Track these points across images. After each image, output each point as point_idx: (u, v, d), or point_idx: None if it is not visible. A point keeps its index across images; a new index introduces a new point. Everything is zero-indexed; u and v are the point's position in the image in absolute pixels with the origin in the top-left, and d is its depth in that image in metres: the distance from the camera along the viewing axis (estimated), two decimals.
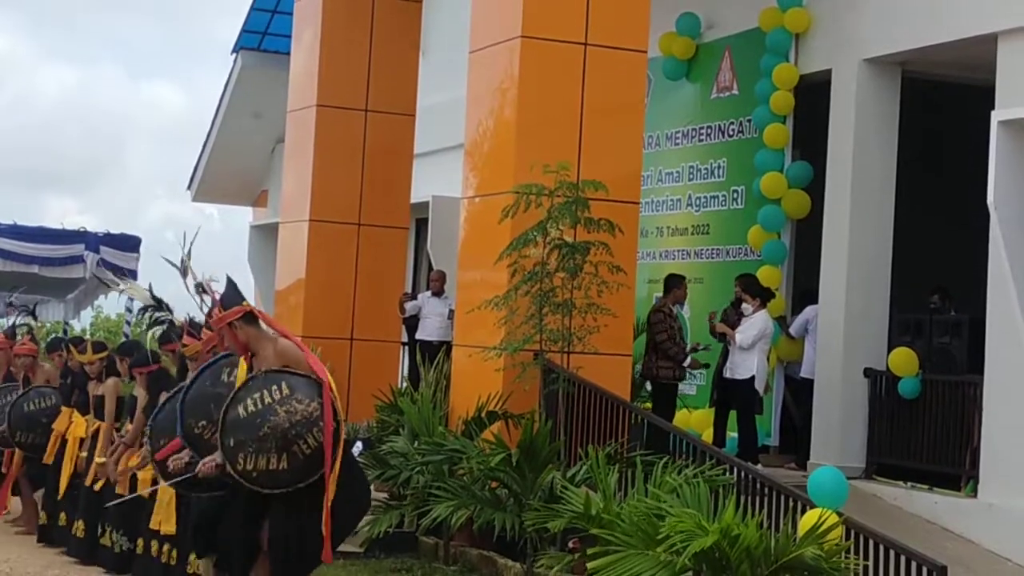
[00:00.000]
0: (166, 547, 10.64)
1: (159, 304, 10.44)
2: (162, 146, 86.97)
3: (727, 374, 14.68)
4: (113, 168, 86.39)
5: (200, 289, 9.01)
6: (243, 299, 8.61)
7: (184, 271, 9.20)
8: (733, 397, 14.66)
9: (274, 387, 8.32)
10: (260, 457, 8.24)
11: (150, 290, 10.96)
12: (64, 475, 12.39)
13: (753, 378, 14.40)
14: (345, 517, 8.59)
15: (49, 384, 13.63)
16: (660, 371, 14.53)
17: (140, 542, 10.93)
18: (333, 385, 8.49)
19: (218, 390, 8.75)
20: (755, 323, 14.45)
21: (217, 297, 8.75)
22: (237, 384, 8.48)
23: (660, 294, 16.51)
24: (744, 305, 14.65)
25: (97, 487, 11.65)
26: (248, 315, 8.55)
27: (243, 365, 8.60)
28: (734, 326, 14.62)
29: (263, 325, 8.61)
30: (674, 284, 15.01)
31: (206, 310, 9.05)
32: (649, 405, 14.45)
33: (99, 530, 11.64)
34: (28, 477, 13.71)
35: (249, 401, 8.30)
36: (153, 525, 10.54)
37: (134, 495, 10.56)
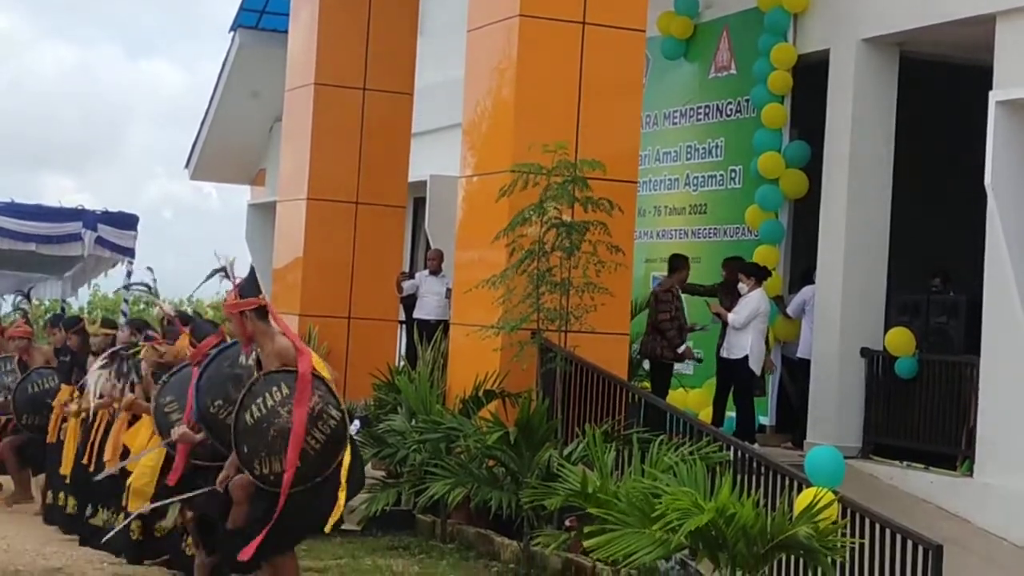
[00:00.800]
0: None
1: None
2: (161, 125, 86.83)
3: (723, 354, 14.72)
4: (111, 147, 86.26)
5: (223, 273, 9.04)
6: (260, 292, 8.67)
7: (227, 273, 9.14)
8: (730, 377, 14.70)
9: (274, 389, 8.37)
10: (274, 460, 8.30)
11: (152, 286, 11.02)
12: (68, 454, 12.37)
13: (747, 357, 14.42)
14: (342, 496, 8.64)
15: (48, 365, 13.64)
16: (663, 350, 14.57)
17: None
18: (330, 378, 8.50)
19: (236, 371, 8.86)
20: (748, 302, 14.48)
21: (237, 281, 8.80)
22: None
23: (658, 273, 16.57)
24: (740, 285, 14.68)
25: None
26: (260, 309, 8.60)
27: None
28: (730, 307, 14.66)
29: (271, 322, 8.65)
30: (679, 265, 15.04)
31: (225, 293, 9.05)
32: (647, 384, 14.49)
33: (90, 509, 11.65)
34: (27, 457, 13.75)
35: (254, 407, 8.36)
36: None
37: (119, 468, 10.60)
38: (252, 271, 9.06)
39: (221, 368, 9.00)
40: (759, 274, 14.76)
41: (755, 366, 14.52)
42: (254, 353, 8.69)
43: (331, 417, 8.36)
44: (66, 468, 12.17)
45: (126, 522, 10.43)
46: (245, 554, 8.34)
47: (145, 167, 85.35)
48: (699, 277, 15.88)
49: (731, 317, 14.52)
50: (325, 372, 8.51)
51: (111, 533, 10.41)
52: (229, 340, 9.45)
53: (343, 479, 8.36)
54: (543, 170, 12.14)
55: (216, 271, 8.99)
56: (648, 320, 14.74)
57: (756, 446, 13.01)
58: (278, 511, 8.27)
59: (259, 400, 8.35)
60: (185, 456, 9.44)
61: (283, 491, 8.24)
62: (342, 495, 8.37)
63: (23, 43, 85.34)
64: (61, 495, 12.38)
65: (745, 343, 14.44)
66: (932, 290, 14.65)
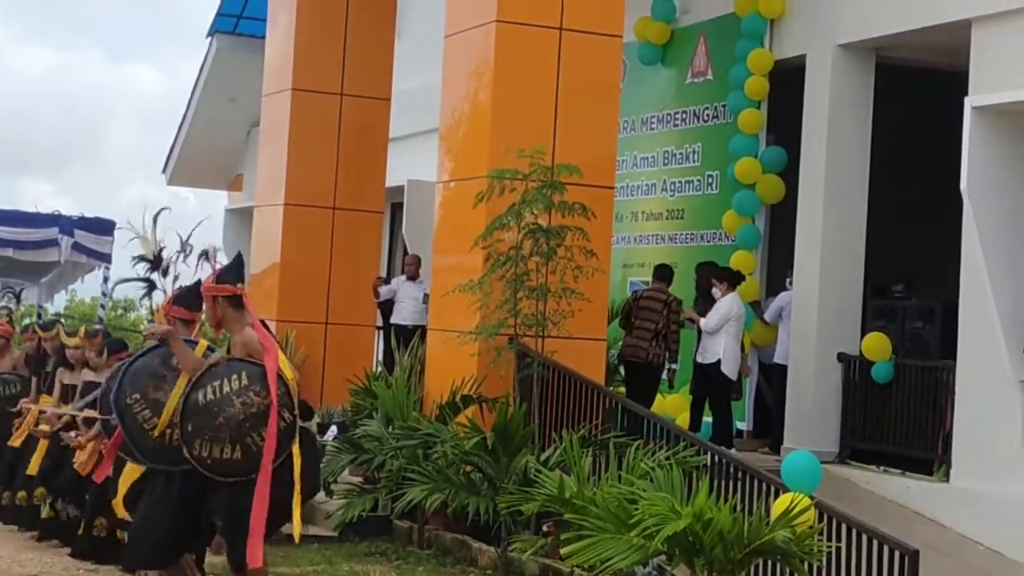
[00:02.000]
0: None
1: (156, 263, 10.43)
2: (140, 129, 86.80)
3: (698, 359, 14.73)
4: (90, 151, 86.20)
5: (204, 257, 9.12)
6: (239, 282, 8.67)
7: (156, 258, 9.26)
8: (704, 382, 14.70)
9: (234, 376, 8.39)
10: (215, 446, 8.33)
11: (157, 247, 10.91)
12: (35, 460, 12.27)
13: (720, 362, 14.43)
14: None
15: (15, 371, 13.54)
16: (658, 358, 14.51)
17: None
18: (291, 379, 8.49)
19: (162, 371, 8.83)
20: (720, 307, 14.50)
21: (217, 267, 8.86)
22: (180, 381, 8.58)
23: (636, 278, 16.60)
24: (714, 290, 14.70)
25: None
26: (234, 297, 8.61)
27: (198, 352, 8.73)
28: (704, 312, 14.67)
29: (244, 313, 8.64)
30: (671, 274, 15.02)
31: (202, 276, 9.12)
32: (622, 389, 14.47)
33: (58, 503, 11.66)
34: None
35: (209, 388, 8.38)
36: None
37: None
38: (238, 258, 9.04)
39: (151, 363, 8.99)
40: (732, 279, 14.77)
41: (728, 371, 14.52)
42: (218, 353, 8.70)
43: (282, 419, 8.38)
44: (33, 469, 12.13)
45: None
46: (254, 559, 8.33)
47: (123, 171, 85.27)
48: (676, 282, 15.88)
49: (703, 322, 14.54)
50: (288, 371, 8.51)
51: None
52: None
53: (296, 478, 8.35)
54: (520, 175, 12.14)
55: (201, 254, 9.08)
56: (651, 325, 14.56)
57: (733, 451, 13.03)
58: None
59: (216, 383, 8.38)
60: (112, 454, 9.45)
61: (262, 482, 8.24)
62: (296, 506, 8.37)
63: (3, 47, 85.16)
64: (23, 494, 12.31)
65: (718, 348, 14.45)
66: (895, 296, 14.71)
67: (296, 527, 8.42)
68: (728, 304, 14.51)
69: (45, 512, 11.88)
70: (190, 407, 8.39)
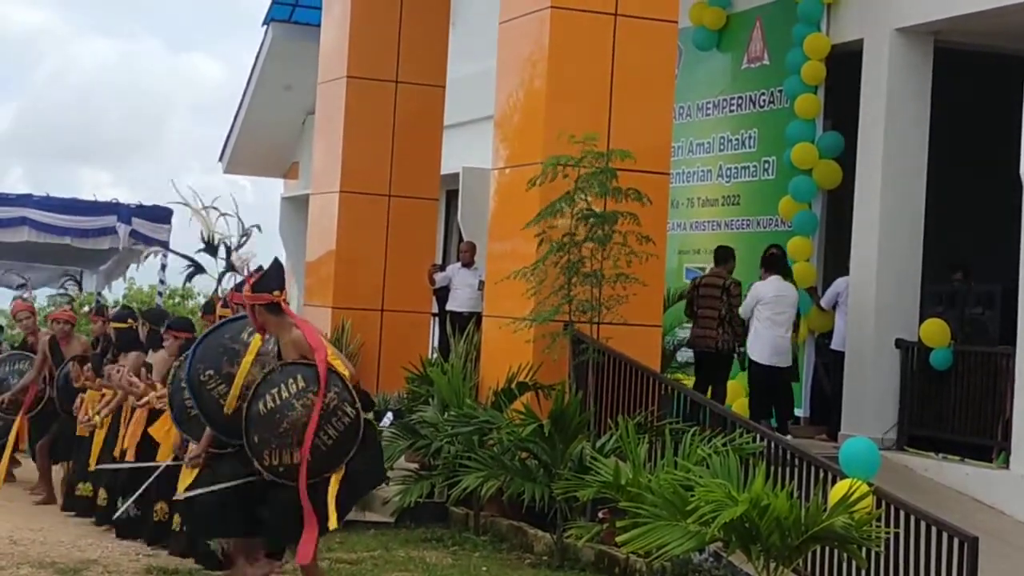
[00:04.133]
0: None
1: (211, 247, 10.54)
2: (199, 119, 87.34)
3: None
4: (149, 142, 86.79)
5: (231, 267, 9.21)
6: (275, 289, 8.68)
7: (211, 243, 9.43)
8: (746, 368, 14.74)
9: (290, 380, 8.45)
10: (284, 452, 8.40)
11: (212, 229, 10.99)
12: (95, 448, 12.38)
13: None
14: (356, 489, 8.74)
15: (85, 355, 13.64)
16: (724, 342, 14.50)
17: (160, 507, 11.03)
18: (347, 375, 8.54)
19: (234, 345, 8.93)
20: (749, 292, 14.48)
21: (247, 274, 8.93)
22: (252, 346, 8.69)
23: (691, 265, 16.55)
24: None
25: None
26: (273, 305, 8.66)
27: (251, 351, 8.83)
28: None
29: (285, 317, 8.71)
30: (730, 255, 14.96)
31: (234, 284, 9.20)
32: (680, 375, 14.46)
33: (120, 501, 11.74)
34: (46, 447, 13.83)
35: (268, 397, 8.45)
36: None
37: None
38: (275, 264, 9.04)
39: (221, 339, 9.05)
40: (768, 263, 14.66)
41: (755, 354, 14.40)
42: (272, 340, 8.77)
43: (345, 414, 8.43)
44: (92, 461, 12.24)
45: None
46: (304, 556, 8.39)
47: (181, 161, 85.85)
48: (736, 268, 15.80)
49: (740, 310, 14.52)
50: (342, 368, 8.54)
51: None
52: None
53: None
54: (573, 161, 12.11)
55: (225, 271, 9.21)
56: (707, 312, 14.53)
57: (789, 438, 12.97)
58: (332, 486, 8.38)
59: (274, 390, 8.42)
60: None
61: (301, 482, 8.30)
62: (332, 493, 8.41)
63: (63, 38, 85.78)
64: (89, 486, 12.41)
65: (751, 333, 14.42)
66: (953, 283, 14.58)
67: (331, 518, 8.43)
68: (756, 288, 14.44)
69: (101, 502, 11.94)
70: (252, 418, 8.47)
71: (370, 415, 8.79)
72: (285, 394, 8.42)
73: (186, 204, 11.38)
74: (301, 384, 8.41)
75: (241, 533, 9.08)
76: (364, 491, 9.00)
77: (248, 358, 8.82)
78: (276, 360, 8.69)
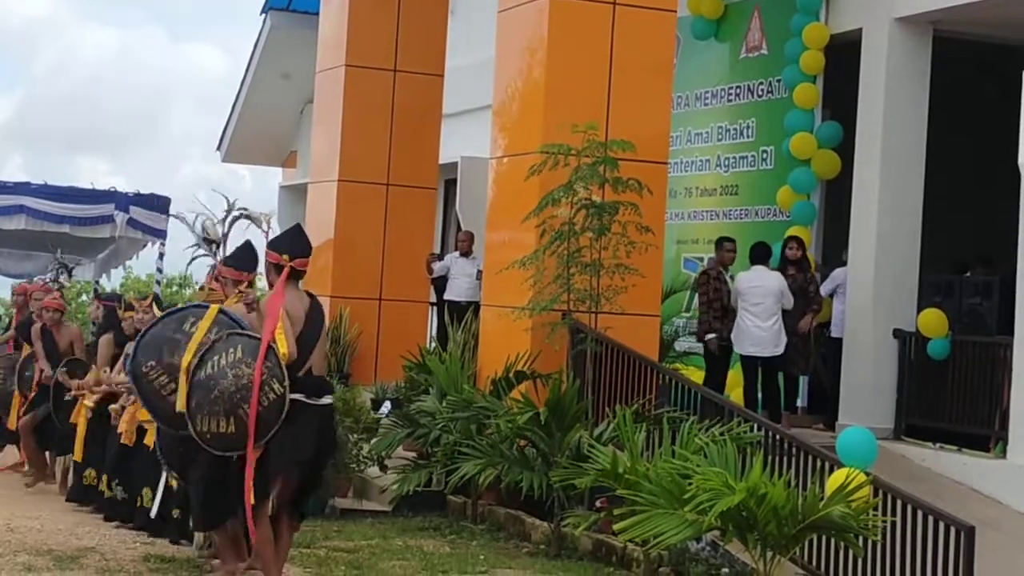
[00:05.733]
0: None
1: (208, 241, 10.71)
2: (199, 108, 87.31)
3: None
4: (148, 130, 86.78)
5: (209, 244, 9.52)
6: (245, 270, 8.99)
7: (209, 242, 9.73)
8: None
9: (231, 350, 8.58)
10: (212, 420, 8.53)
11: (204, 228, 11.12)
12: (79, 436, 12.40)
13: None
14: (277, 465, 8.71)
15: (72, 347, 13.67)
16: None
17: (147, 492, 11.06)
18: (284, 353, 8.56)
19: (175, 336, 9.00)
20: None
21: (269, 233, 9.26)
22: (196, 335, 8.78)
23: (689, 255, 16.57)
24: None
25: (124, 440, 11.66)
26: (277, 267, 8.87)
27: (207, 317, 8.87)
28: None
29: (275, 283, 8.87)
30: (717, 246, 14.95)
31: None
32: (678, 365, 14.46)
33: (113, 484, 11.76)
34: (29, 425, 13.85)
35: (210, 364, 8.59)
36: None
37: None
38: (247, 244, 9.34)
39: (164, 330, 9.12)
40: (752, 253, 14.66)
41: (736, 344, 14.41)
42: (199, 323, 8.92)
43: (272, 390, 8.50)
44: (78, 450, 12.26)
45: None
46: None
47: (180, 150, 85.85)
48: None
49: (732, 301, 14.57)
50: (282, 345, 8.58)
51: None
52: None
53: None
54: (572, 151, 12.11)
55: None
56: (717, 302, 14.58)
57: (790, 429, 12.97)
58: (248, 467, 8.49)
59: (216, 357, 8.58)
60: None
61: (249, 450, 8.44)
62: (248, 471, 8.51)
63: (63, 27, 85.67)
64: (90, 472, 12.42)
65: (735, 323, 14.46)
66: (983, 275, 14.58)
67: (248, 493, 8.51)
68: (736, 280, 14.45)
69: (107, 492, 11.94)
70: (195, 384, 8.58)
71: (326, 400, 8.81)
72: (223, 362, 8.56)
73: (180, 219, 11.50)
74: (239, 354, 8.54)
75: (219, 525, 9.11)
76: (279, 471, 8.84)
77: (204, 323, 8.88)
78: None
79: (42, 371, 13.78)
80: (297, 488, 8.83)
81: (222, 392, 8.49)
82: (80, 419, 12.38)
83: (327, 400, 8.87)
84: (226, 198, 9.12)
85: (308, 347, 8.76)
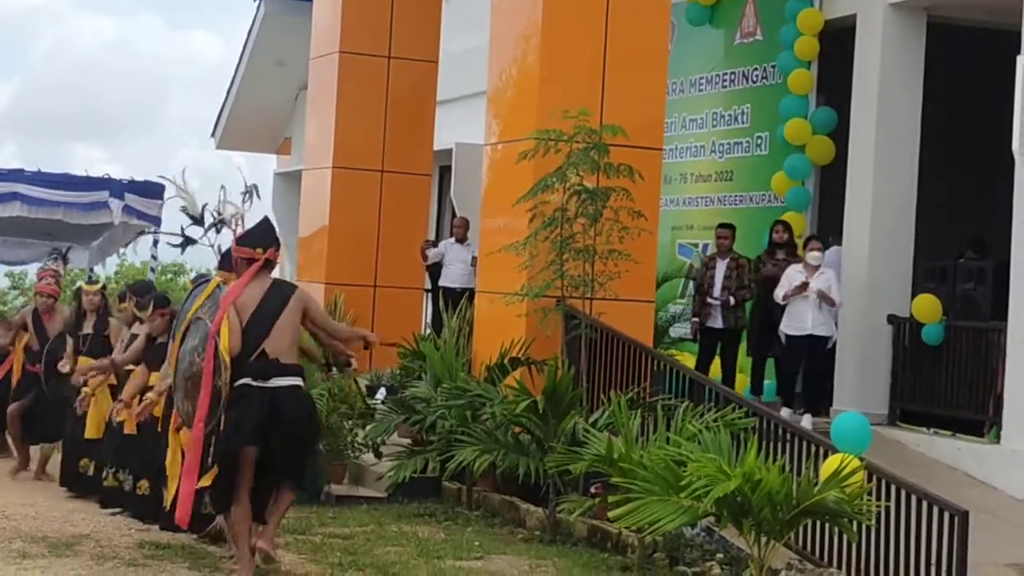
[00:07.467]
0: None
1: (199, 221, 10.54)
2: (195, 95, 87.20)
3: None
4: (144, 118, 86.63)
5: (220, 223, 9.45)
6: (258, 247, 8.97)
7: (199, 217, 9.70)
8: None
9: (196, 334, 8.77)
10: (180, 399, 8.90)
11: (194, 208, 10.98)
12: (92, 421, 12.37)
13: None
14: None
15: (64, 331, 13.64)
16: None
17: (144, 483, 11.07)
18: (224, 343, 8.56)
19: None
20: None
21: (239, 231, 9.15)
22: (194, 305, 8.98)
23: (683, 241, 16.56)
24: None
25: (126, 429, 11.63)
26: (249, 261, 8.99)
27: (206, 292, 8.93)
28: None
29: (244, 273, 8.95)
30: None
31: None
32: (673, 351, 14.47)
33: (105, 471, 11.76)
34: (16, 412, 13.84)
35: (188, 341, 8.84)
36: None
37: None
38: (263, 222, 9.34)
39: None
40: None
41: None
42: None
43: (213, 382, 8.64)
44: (91, 433, 12.22)
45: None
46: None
47: (176, 137, 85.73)
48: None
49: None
50: (224, 337, 8.59)
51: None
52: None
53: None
54: (564, 136, 12.09)
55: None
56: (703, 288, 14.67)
57: (784, 412, 13.00)
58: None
59: (189, 336, 8.83)
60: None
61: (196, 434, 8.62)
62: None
63: (60, 14, 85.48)
64: (85, 460, 12.40)
65: None
66: (961, 258, 14.60)
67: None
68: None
69: (108, 481, 11.91)
70: (179, 356, 8.90)
71: (278, 383, 8.73)
72: (189, 345, 8.77)
73: (171, 181, 11.34)
74: (196, 341, 8.71)
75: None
76: (220, 454, 8.83)
77: (201, 297, 8.94)
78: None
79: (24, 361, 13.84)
80: (265, 467, 8.79)
81: (181, 374, 8.80)
82: (95, 406, 12.30)
83: (280, 383, 8.75)
84: (244, 180, 9.17)
85: (257, 332, 8.74)
